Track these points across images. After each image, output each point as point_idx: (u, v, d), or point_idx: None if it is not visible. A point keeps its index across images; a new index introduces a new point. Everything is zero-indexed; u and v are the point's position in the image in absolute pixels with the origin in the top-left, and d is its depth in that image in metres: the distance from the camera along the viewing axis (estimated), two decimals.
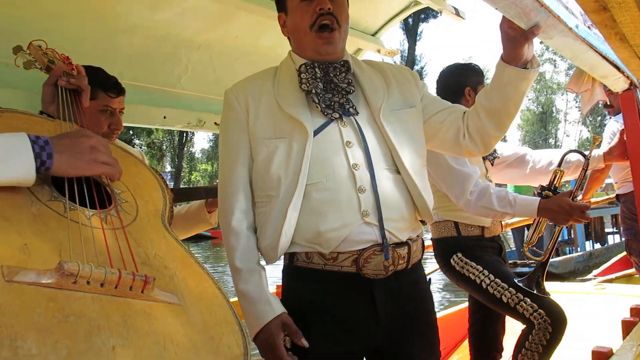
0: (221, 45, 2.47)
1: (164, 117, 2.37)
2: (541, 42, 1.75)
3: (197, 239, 23.31)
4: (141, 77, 2.29)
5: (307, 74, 1.46)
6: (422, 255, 1.56)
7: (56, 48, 1.56)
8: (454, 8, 2.54)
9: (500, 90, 1.46)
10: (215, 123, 2.54)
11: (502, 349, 2.50)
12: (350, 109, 1.46)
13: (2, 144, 0.91)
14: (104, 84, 1.82)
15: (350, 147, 1.42)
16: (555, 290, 3.31)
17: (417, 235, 1.52)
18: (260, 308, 1.35)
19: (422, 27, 38.35)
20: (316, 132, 1.42)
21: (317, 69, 1.46)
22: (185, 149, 35.31)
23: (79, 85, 1.45)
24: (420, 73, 41.99)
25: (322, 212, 1.37)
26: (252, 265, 1.40)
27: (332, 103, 1.45)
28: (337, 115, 1.44)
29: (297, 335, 1.33)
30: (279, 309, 1.36)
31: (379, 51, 2.75)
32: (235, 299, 1.44)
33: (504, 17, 1.32)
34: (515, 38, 1.36)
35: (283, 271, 1.51)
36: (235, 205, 1.44)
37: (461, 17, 2.53)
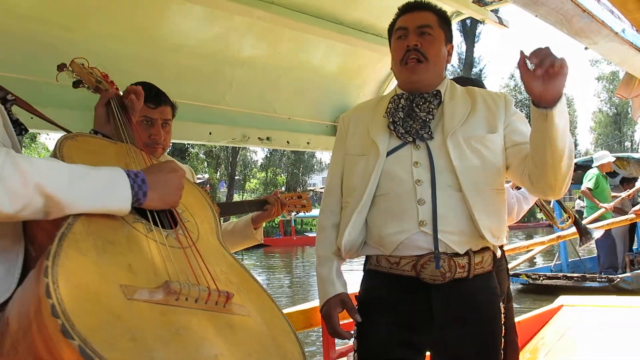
0: (264, 61, 2.59)
1: (210, 133, 2.50)
2: (586, 49, 1.74)
3: (249, 246, 23.68)
4: (187, 94, 2.43)
5: (393, 104, 1.73)
6: (493, 266, 1.70)
7: (99, 66, 1.69)
8: (497, 17, 2.56)
9: (533, 133, 1.52)
10: (259, 138, 2.66)
11: None
12: (425, 135, 1.67)
13: (104, 178, 1.02)
14: (144, 95, 1.92)
15: (417, 167, 1.64)
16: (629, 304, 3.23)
17: (484, 248, 1.65)
18: (327, 287, 1.72)
19: (480, 28, 37.58)
20: (390, 152, 1.67)
21: (402, 100, 1.72)
22: (239, 157, 36.14)
23: (134, 108, 1.57)
24: (479, 75, 41.21)
25: (386, 218, 1.64)
26: (328, 254, 1.76)
27: (411, 129, 1.67)
28: (411, 139, 1.67)
29: (352, 311, 1.68)
30: (340, 289, 1.72)
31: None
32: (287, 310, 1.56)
33: (520, 52, 1.35)
34: (528, 76, 1.37)
35: (363, 273, 1.80)
36: (326, 206, 1.82)
37: (505, 25, 2.54)
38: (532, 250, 7.16)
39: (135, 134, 1.49)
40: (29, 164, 0.93)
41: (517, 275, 8.91)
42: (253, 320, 1.09)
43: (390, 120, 1.70)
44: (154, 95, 1.93)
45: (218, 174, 34.98)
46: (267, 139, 2.70)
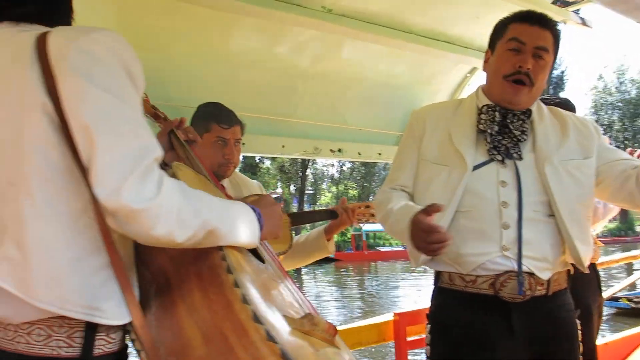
0: (334, 73, 2.64)
1: (283, 146, 2.57)
2: None
3: (321, 261, 23.81)
4: (260, 108, 2.52)
5: (487, 115, 1.66)
6: (568, 282, 1.67)
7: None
8: (580, 18, 2.47)
9: None
10: (330, 150, 2.70)
11: None
12: (515, 154, 1.62)
13: (241, 212, 1.08)
14: (217, 116, 2.00)
15: (504, 187, 1.59)
16: None
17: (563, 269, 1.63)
18: (407, 209, 1.59)
19: (560, 27, 36.07)
20: (476, 168, 1.62)
21: (496, 113, 1.65)
22: (312, 172, 36.68)
23: (194, 137, 1.60)
24: (560, 78, 39.59)
25: (465, 237, 1.58)
26: (401, 202, 1.66)
27: (500, 145, 1.63)
28: (500, 158, 1.62)
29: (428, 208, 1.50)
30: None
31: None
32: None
33: None
34: None
35: (432, 290, 1.74)
36: (386, 200, 1.71)
37: (588, 26, 2.45)
38: (635, 274, 6.64)
39: (202, 160, 1.54)
40: (198, 198, 0.98)
41: (616, 299, 8.39)
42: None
43: (488, 131, 1.64)
44: (226, 116, 2.01)
45: (291, 188, 35.60)
46: (339, 150, 2.74)
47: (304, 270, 22.14)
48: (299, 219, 2.36)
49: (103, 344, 0.98)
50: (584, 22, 2.47)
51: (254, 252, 1.22)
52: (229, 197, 1.46)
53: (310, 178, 37.89)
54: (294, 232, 2.31)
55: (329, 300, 15.50)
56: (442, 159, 1.66)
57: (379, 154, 2.92)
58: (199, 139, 1.61)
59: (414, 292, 15.56)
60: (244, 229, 1.06)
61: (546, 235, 1.57)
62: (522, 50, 1.60)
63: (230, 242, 1.04)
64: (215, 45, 2.29)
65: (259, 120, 2.49)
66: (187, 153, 1.49)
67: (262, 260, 1.24)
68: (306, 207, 34.02)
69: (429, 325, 1.68)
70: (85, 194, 0.93)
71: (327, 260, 24.51)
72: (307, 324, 1.01)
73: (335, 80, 2.68)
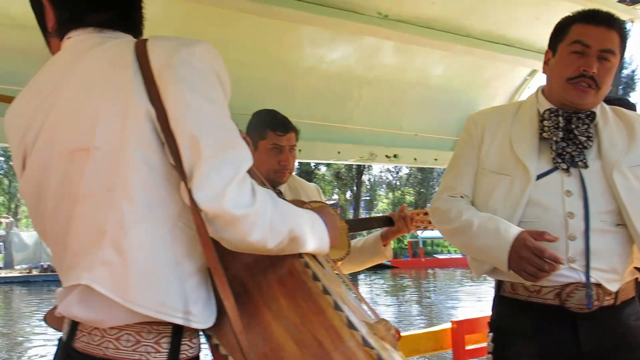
0: (390, 79, 2.65)
1: (338, 152, 2.59)
2: None
3: (377, 267, 23.83)
4: (317, 115, 2.55)
5: (550, 122, 1.58)
6: (636, 292, 1.61)
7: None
8: None
9: None
10: (386, 156, 2.70)
11: None
12: (580, 162, 1.55)
13: (313, 221, 1.10)
14: (272, 123, 2.04)
15: (569, 197, 1.52)
16: None
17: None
18: (503, 229, 1.49)
19: (630, 25, 34.48)
20: (539, 177, 1.55)
21: (560, 118, 1.57)
22: (365, 177, 36.64)
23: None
24: (630, 78, 37.88)
25: None
26: (481, 213, 1.58)
27: (565, 153, 1.56)
28: (565, 167, 1.55)
29: (541, 234, 1.45)
30: (519, 228, 1.50)
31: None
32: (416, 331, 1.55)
33: None
34: None
35: (493, 299, 1.70)
36: (455, 210, 1.62)
37: None
38: None
39: (257, 167, 1.59)
40: (286, 207, 1.01)
41: None
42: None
43: (553, 139, 1.57)
44: (281, 123, 2.05)
45: (347, 194, 35.67)
46: (395, 156, 2.74)
47: (360, 276, 22.11)
48: (356, 226, 2.38)
49: (186, 349, 1.02)
50: None
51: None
52: None
53: (366, 184, 37.83)
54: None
55: (388, 306, 15.38)
56: (503, 168, 1.60)
57: (435, 159, 2.90)
58: (252, 149, 1.66)
59: (474, 300, 15.22)
60: (318, 236, 1.09)
61: (614, 246, 1.51)
62: (587, 53, 1.53)
63: (308, 249, 1.06)
64: (270, 54, 2.35)
65: (314, 127, 2.53)
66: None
67: (322, 265, 1.26)
68: (362, 214, 33.96)
69: (491, 334, 1.65)
70: (180, 200, 0.96)
71: (382, 267, 24.35)
72: (382, 329, 1.03)
73: (391, 86, 2.68)
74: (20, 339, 12.20)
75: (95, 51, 1.04)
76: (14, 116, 1.10)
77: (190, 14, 2.10)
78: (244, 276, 1.08)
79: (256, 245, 0.94)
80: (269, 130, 2.02)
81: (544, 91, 1.67)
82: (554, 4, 2.40)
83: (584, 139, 1.56)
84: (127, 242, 0.94)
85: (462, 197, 1.66)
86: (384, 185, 40.25)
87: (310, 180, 2.65)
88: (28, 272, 25.16)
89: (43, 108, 1.04)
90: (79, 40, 1.08)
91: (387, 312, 14.48)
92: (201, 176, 0.90)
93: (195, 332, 1.04)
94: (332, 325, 0.92)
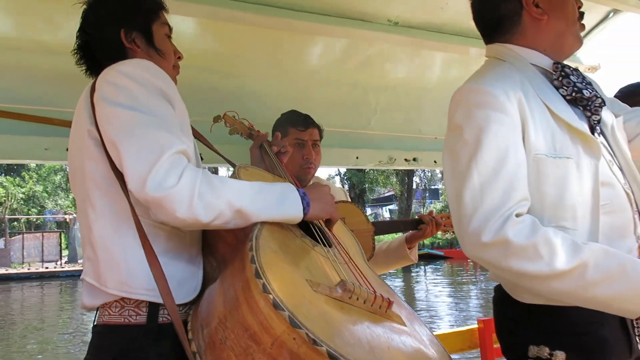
0: (406, 84, 2.70)
1: (357, 158, 2.66)
2: None
3: (430, 258, 24.03)
4: (335, 122, 2.62)
5: (576, 77, 1.29)
6: None
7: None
8: None
9: None
10: (405, 159, 2.75)
11: None
12: (601, 126, 1.33)
13: (279, 190, 1.21)
14: (293, 120, 2.14)
15: (612, 166, 1.30)
16: None
17: None
18: (632, 269, 1.10)
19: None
20: None
21: (574, 72, 1.30)
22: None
23: (279, 149, 1.78)
24: None
25: (612, 238, 1.23)
26: (590, 247, 1.13)
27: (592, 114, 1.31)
28: (599, 130, 1.32)
29: None
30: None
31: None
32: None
33: None
34: None
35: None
36: (547, 245, 1.13)
37: None
38: None
39: (287, 169, 1.70)
40: (221, 183, 1.13)
41: None
42: (408, 330, 1.20)
43: (586, 96, 1.28)
44: (302, 119, 2.15)
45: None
46: (414, 159, 2.77)
47: (413, 267, 22.09)
48: (383, 228, 2.38)
49: (167, 314, 1.17)
50: None
51: (324, 238, 1.34)
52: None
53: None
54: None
55: (447, 297, 15.06)
56: (560, 148, 1.22)
57: None
58: (289, 147, 1.81)
59: None
60: (282, 206, 1.20)
61: None
62: None
63: (268, 218, 1.17)
64: (288, 65, 2.45)
65: (333, 134, 2.59)
66: (274, 162, 1.70)
67: (329, 244, 1.34)
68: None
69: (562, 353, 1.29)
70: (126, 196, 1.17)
71: (436, 257, 24.27)
72: (338, 292, 1.08)
73: (408, 91, 2.73)
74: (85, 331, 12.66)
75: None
76: None
77: (207, 31, 2.22)
78: (226, 254, 1.23)
79: (190, 221, 1.08)
80: (290, 127, 2.12)
81: (527, 44, 1.34)
82: None
83: (597, 92, 1.32)
84: (94, 239, 1.19)
85: (524, 201, 1.19)
86: None
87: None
88: None
89: None
90: None
91: (443, 304, 14.16)
92: (127, 171, 1.08)
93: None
94: (245, 277, 0.99)
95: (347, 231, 1.67)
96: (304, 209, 1.23)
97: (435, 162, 2.83)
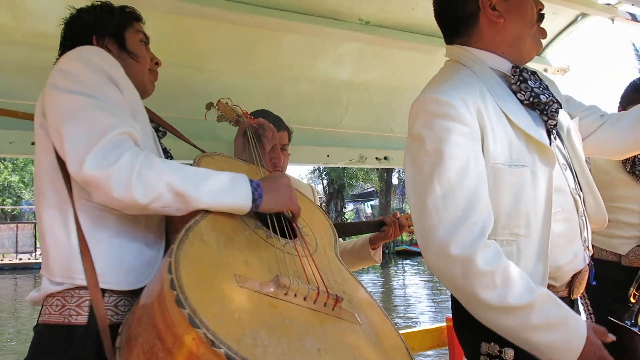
0: (378, 84, 2.70)
1: (328, 156, 2.66)
2: None
3: (406, 255, 24.14)
4: (306, 120, 2.62)
5: (532, 82, 1.30)
6: None
7: (235, 101, 1.93)
8: (629, 14, 2.38)
9: None
10: (376, 158, 2.75)
11: None
12: (558, 129, 1.35)
13: (227, 178, 1.17)
14: None
15: (566, 170, 1.32)
16: None
17: None
18: (572, 325, 1.16)
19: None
20: None
21: (532, 76, 1.30)
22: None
23: (265, 135, 1.77)
24: None
25: (559, 244, 1.26)
26: (539, 292, 1.16)
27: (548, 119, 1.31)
28: (555, 135, 1.32)
29: (605, 334, 1.20)
30: (579, 316, 1.22)
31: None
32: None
33: None
34: None
35: None
36: (483, 241, 1.16)
37: (639, 21, 2.35)
38: None
39: (267, 159, 1.68)
40: (164, 164, 1.10)
41: None
42: (362, 330, 1.12)
43: (543, 101, 1.29)
44: (272, 122, 2.05)
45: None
46: (385, 158, 2.78)
47: (389, 264, 22.29)
48: (346, 230, 2.37)
49: (111, 314, 1.15)
50: (634, 19, 2.38)
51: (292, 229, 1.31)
52: None
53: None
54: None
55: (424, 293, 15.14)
56: (516, 157, 1.23)
57: None
58: (276, 134, 1.79)
59: None
60: (227, 194, 1.16)
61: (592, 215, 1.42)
62: None
63: (211, 205, 1.13)
64: (259, 62, 2.44)
65: (304, 132, 2.59)
66: (254, 150, 1.64)
67: (292, 235, 1.30)
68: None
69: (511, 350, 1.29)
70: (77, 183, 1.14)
71: (413, 253, 24.50)
72: (270, 288, 1.03)
73: (379, 90, 2.74)
74: None
75: None
76: None
77: (179, 26, 2.20)
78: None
79: (127, 202, 1.06)
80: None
81: (487, 47, 1.34)
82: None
83: (553, 95, 1.33)
84: (43, 228, 1.21)
85: (486, 212, 1.20)
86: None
87: None
88: None
89: None
90: None
91: (422, 301, 14.24)
92: (66, 153, 1.07)
93: (121, 299, 1.18)
94: (161, 270, 0.98)
95: (324, 219, 1.59)
96: (254, 200, 1.19)
97: None
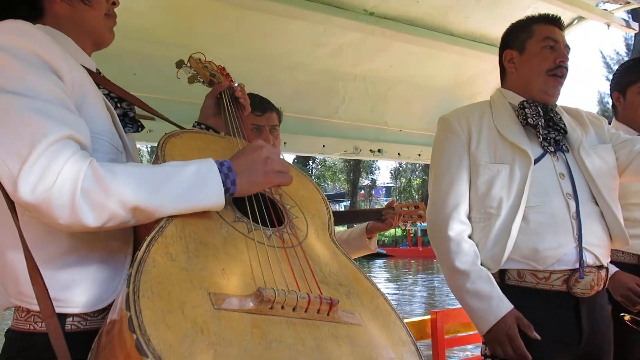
0: (376, 75, 2.70)
1: (323, 146, 2.65)
2: None
3: (373, 256, 24.22)
4: (302, 109, 2.60)
5: (531, 110, 1.72)
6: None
7: (214, 60, 1.75)
8: (624, 20, 2.44)
9: None
10: (370, 150, 2.76)
11: None
12: (564, 146, 1.73)
13: (193, 174, 0.98)
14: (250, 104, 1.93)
15: (563, 179, 1.68)
16: None
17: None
18: (494, 303, 1.57)
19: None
20: (536, 161, 1.68)
21: (539, 108, 1.73)
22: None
23: (244, 97, 1.59)
24: None
25: (540, 232, 1.62)
26: (478, 267, 1.62)
27: (549, 139, 1.71)
28: (553, 150, 1.71)
29: (529, 328, 1.54)
30: (510, 304, 1.58)
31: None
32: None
33: None
34: None
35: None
36: (455, 216, 1.67)
37: (632, 28, 2.41)
38: None
39: (247, 128, 1.48)
40: (111, 176, 0.92)
41: None
42: (363, 330, 1.01)
43: (539, 124, 1.70)
44: (259, 103, 1.99)
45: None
46: (379, 151, 2.79)
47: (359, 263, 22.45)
48: (343, 219, 2.37)
49: (78, 321, 1.02)
50: (628, 25, 2.44)
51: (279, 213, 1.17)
52: None
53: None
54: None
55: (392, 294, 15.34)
56: (499, 157, 1.68)
57: (419, 154, 2.96)
58: (248, 105, 1.60)
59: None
60: (194, 194, 0.99)
61: (599, 223, 1.67)
62: (557, 47, 1.72)
63: (178, 211, 0.97)
64: (258, 48, 2.39)
65: (300, 121, 2.57)
66: (231, 115, 1.45)
67: (280, 222, 1.15)
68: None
69: None
70: None
71: (379, 255, 24.51)
72: (250, 305, 0.89)
73: (376, 82, 2.74)
74: None
75: None
76: None
77: (176, 6, 2.13)
78: None
79: (77, 227, 0.91)
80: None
81: (511, 87, 1.81)
82: (535, 6, 2.46)
83: (563, 125, 1.73)
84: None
85: (463, 196, 1.70)
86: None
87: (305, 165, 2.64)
88: None
89: None
90: None
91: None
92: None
93: (88, 315, 1.05)
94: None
95: (317, 194, 1.40)
96: (227, 190, 1.02)
97: (399, 154, 2.86)
